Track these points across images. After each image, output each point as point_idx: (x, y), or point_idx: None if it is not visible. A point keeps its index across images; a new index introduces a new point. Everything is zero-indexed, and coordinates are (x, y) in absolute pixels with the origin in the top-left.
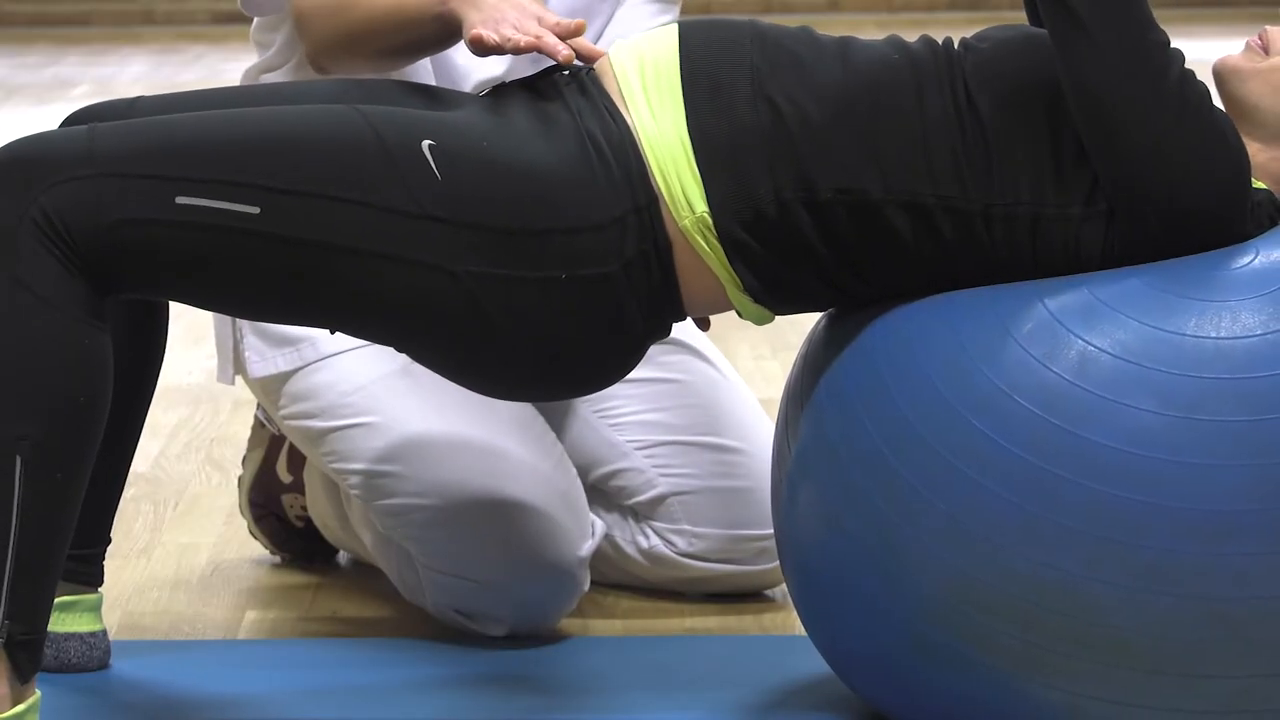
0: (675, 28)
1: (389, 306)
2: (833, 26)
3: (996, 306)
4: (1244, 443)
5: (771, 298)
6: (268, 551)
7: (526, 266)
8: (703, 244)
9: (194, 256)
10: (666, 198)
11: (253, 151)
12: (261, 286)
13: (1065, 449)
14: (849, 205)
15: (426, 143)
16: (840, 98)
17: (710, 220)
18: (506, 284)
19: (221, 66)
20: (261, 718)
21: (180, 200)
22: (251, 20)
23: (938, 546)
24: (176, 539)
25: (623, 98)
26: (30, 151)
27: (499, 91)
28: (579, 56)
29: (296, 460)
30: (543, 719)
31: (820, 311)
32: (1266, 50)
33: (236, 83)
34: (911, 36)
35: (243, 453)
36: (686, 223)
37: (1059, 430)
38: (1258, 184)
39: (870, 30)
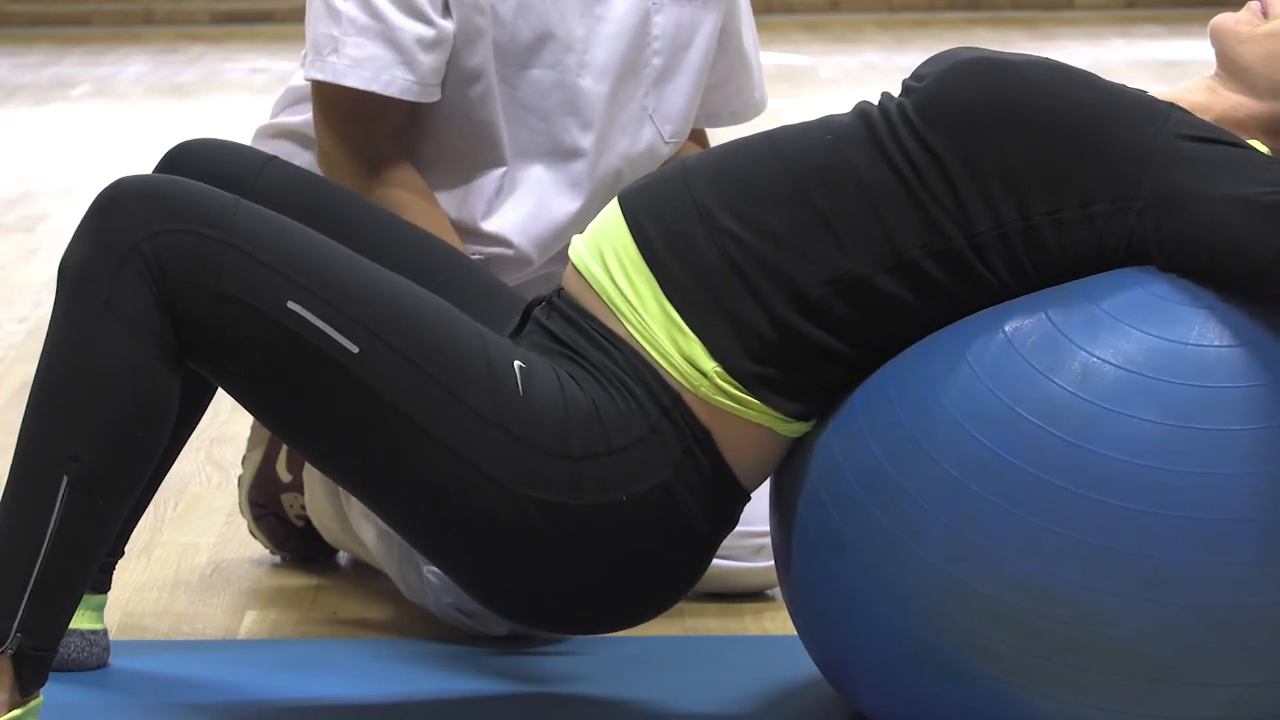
0: (616, 203)
1: (437, 498)
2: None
3: (999, 318)
4: (1246, 451)
5: (816, 409)
6: (268, 551)
7: (588, 493)
8: (729, 401)
9: (274, 362)
10: (682, 383)
11: (377, 302)
12: (320, 419)
13: (1067, 460)
14: (840, 292)
15: (517, 363)
16: (790, 197)
17: (722, 369)
18: (568, 511)
19: (221, 66)
20: (261, 718)
21: (290, 305)
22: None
23: (939, 558)
24: (176, 539)
25: (603, 304)
26: (174, 191)
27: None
28: None
29: (296, 459)
30: (543, 719)
31: None
32: (1265, 14)
33: (237, 82)
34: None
35: (243, 453)
36: (705, 390)
37: (1061, 442)
38: (1257, 144)
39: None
